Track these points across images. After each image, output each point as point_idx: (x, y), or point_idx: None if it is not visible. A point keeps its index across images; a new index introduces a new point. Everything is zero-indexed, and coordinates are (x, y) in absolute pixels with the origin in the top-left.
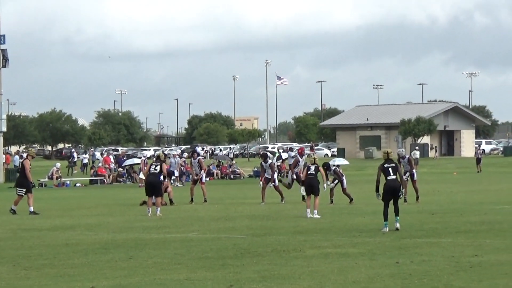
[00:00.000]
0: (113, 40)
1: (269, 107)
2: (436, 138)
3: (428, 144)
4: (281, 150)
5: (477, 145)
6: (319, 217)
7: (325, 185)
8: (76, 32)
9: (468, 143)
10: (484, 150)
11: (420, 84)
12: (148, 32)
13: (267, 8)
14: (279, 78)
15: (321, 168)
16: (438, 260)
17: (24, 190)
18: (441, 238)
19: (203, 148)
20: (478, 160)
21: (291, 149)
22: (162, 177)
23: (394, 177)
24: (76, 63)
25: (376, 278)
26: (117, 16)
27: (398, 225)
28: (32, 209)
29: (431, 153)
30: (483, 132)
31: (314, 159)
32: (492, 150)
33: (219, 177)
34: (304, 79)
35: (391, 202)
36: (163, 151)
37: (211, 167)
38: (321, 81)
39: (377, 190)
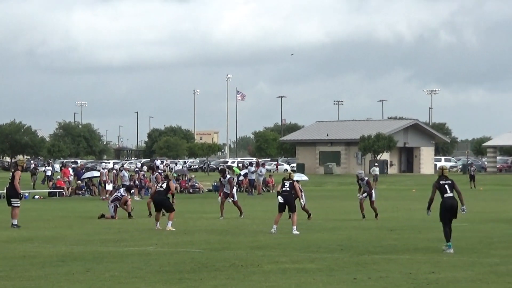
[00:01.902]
0: (78, 52)
1: (230, 121)
2: (395, 154)
3: (388, 160)
4: (240, 165)
5: (470, 162)
6: (298, 233)
7: (302, 201)
8: (41, 44)
9: (427, 160)
10: (475, 168)
11: (380, 100)
12: (114, 45)
13: (234, 24)
14: (239, 93)
15: (296, 184)
16: (395, 276)
17: (18, 200)
18: (399, 255)
19: (162, 162)
20: (472, 177)
21: (250, 164)
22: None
23: (451, 194)
24: (39, 75)
25: None
26: (83, 29)
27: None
28: (15, 221)
29: (391, 170)
30: (442, 149)
31: (289, 174)
32: (451, 167)
33: (178, 191)
34: (266, 94)
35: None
36: (169, 170)
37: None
38: (281, 97)
39: (428, 207)
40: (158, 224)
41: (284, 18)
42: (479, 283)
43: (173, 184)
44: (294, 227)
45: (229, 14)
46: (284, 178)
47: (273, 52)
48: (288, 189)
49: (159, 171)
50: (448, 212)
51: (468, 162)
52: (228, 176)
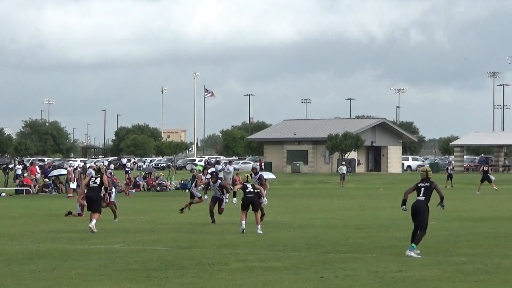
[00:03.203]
0: (48, 50)
1: (198, 120)
2: (363, 153)
3: (355, 159)
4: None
5: (449, 160)
6: (261, 233)
7: (263, 199)
8: (11, 41)
9: (394, 159)
10: (453, 166)
11: (348, 99)
12: (84, 43)
13: (206, 22)
14: (207, 91)
15: (256, 185)
16: (362, 275)
17: None
18: (366, 253)
19: (129, 160)
20: (449, 176)
21: (217, 162)
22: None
23: (422, 198)
24: (8, 72)
25: None
26: (53, 26)
27: (410, 253)
28: None
29: (358, 168)
30: (410, 148)
31: (247, 177)
32: (419, 166)
33: (145, 189)
34: (235, 93)
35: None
36: (103, 163)
37: (137, 179)
38: (249, 95)
39: (403, 203)
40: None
41: (256, 17)
42: (445, 282)
43: (106, 178)
44: (259, 226)
45: (201, 12)
46: (245, 180)
47: (244, 51)
48: (252, 190)
49: (126, 169)
50: (412, 214)
51: (448, 161)
52: (219, 182)
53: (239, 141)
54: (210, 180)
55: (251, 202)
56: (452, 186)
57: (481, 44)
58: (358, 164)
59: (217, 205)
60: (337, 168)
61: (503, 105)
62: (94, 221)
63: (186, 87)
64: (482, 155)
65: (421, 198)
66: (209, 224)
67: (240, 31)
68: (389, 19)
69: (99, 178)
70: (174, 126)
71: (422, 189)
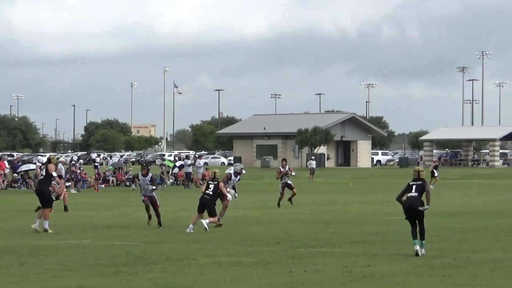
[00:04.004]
0: (20, 45)
1: (167, 115)
2: (332, 148)
3: (325, 154)
4: (177, 158)
5: (419, 155)
6: (207, 229)
7: (229, 195)
8: None
9: (364, 154)
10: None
11: (318, 94)
12: (56, 38)
13: (179, 17)
14: (176, 86)
15: (221, 184)
16: (331, 269)
17: None
18: (335, 248)
19: (98, 155)
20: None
21: (187, 157)
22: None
23: (415, 194)
24: None
25: (269, 287)
26: (25, 21)
27: (423, 250)
28: None
29: (328, 163)
30: (379, 143)
31: (214, 173)
32: (388, 161)
33: (115, 184)
34: (207, 88)
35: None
36: (107, 163)
37: (107, 173)
38: (219, 90)
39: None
40: (37, 223)
41: (229, 12)
42: (414, 276)
43: (51, 166)
44: (207, 220)
45: (175, 8)
46: (210, 178)
47: (216, 46)
48: (211, 192)
49: (95, 164)
50: (407, 211)
51: (419, 155)
52: (150, 175)
53: (209, 136)
54: (140, 173)
55: (205, 206)
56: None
57: (452, 39)
58: (328, 158)
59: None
60: (307, 162)
61: (472, 100)
62: (46, 222)
63: (156, 82)
64: (448, 150)
65: (414, 194)
66: (177, 219)
67: (213, 27)
68: (361, 15)
69: (45, 169)
70: (144, 121)
71: (414, 186)
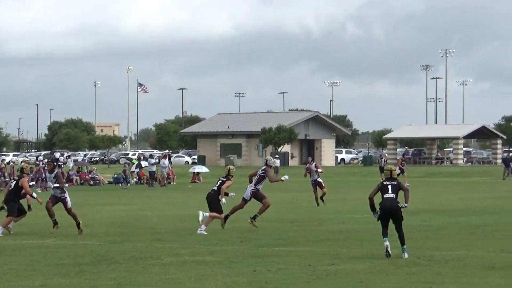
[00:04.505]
0: None
1: (131, 114)
2: (296, 146)
3: (289, 152)
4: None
5: (380, 153)
6: (204, 234)
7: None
8: None
9: (328, 152)
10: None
11: (282, 92)
12: (20, 37)
13: (144, 16)
14: (140, 85)
15: (226, 184)
16: (295, 268)
17: None
18: (298, 247)
19: (62, 154)
20: (382, 169)
21: (151, 156)
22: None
23: (392, 195)
24: None
25: (232, 286)
26: None
27: (406, 255)
28: None
29: (292, 162)
30: (343, 141)
31: (228, 169)
32: (352, 159)
33: (79, 183)
34: (171, 86)
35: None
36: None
37: (70, 172)
38: (182, 89)
39: (373, 209)
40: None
41: (194, 11)
42: (378, 275)
43: (25, 182)
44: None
45: (139, 7)
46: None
47: (180, 45)
48: (216, 188)
49: (59, 163)
50: (386, 213)
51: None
52: (56, 171)
53: (173, 135)
54: (45, 168)
55: (209, 201)
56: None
57: (416, 38)
58: (292, 157)
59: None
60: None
61: (436, 98)
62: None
63: (120, 82)
64: (406, 148)
65: (391, 195)
66: (141, 218)
67: (177, 25)
68: (326, 13)
69: (15, 182)
70: (108, 120)
71: (390, 187)
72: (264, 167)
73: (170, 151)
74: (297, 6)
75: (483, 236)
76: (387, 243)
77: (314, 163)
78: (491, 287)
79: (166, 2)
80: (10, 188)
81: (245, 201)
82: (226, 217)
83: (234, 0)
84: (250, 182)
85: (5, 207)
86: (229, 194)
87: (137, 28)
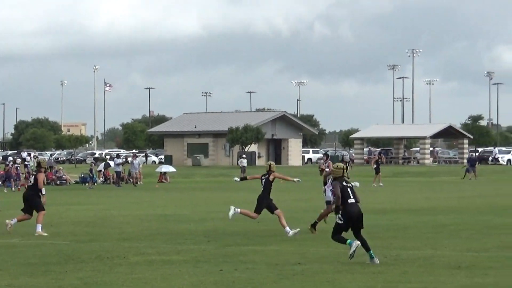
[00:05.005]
0: None
1: (98, 113)
2: (263, 146)
3: (255, 152)
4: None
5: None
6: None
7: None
8: None
9: (295, 152)
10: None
11: (249, 92)
12: None
13: (112, 15)
14: (106, 84)
15: (274, 174)
16: (262, 268)
17: None
18: (266, 246)
19: (29, 154)
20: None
21: (117, 156)
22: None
23: (353, 200)
24: None
25: (199, 285)
26: None
27: (377, 260)
28: None
29: (259, 161)
30: (310, 141)
31: (270, 165)
32: (319, 159)
33: (45, 183)
34: (138, 86)
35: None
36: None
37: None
38: (149, 88)
39: (338, 211)
40: (12, 222)
41: (162, 11)
42: (344, 274)
43: (42, 176)
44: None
45: (107, 6)
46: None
47: (148, 44)
48: (262, 188)
49: (25, 163)
50: (356, 221)
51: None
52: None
53: (140, 134)
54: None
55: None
56: (348, 178)
57: (384, 38)
58: (259, 157)
59: None
60: (238, 161)
61: (403, 98)
62: (39, 226)
63: (87, 81)
64: (370, 147)
65: (353, 200)
66: (108, 218)
67: (145, 25)
68: (294, 13)
69: (33, 176)
70: (74, 120)
71: (349, 190)
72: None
73: (137, 151)
74: (265, 6)
75: (449, 235)
76: (356, 246)
77: (327, 163)
78: (457, 287)
79: (134, 1)
80: (29, 184)
81: (329, 203)
82: (314, 224)
83: (203, 0)
84: (325, 184)
85: None
86: (295, 180)
87: (105, 28)
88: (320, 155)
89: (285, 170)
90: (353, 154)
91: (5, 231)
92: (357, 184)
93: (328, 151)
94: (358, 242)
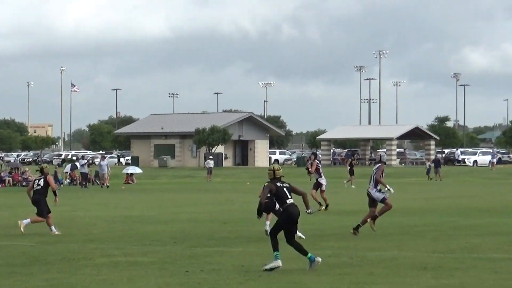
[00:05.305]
0: None
1: (65, 114)
2: (230, 147)
3: (222, 153)
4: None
5: (308, 155)
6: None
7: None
8: None
9: (262, 153)
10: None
11: (216, 93)
12: None
13: (79, 17)
14: (73, 85)
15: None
16: (228, 269)
17: None
18: (232, 247)
19: None
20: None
21: (82, 157)
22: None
23: (292, 200)
24: None
25: (165, 287)
26: None
27: (319, 259)
28: None
29: (225, 162)
30: (277, 142)
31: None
32: (286, 160)
33: (11, 184)
34: (105, 87)
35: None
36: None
37: (2, 174)
38: (116, 89)
39: (260, 213)
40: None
41: (129, 12)
42: (310, 275)
43: (51, 178)
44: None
45: (74, 7)
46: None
47: (115, 46)
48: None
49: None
50: (293, 222)
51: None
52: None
53: (106, 135)
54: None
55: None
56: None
57: (351, 39)
58: (226, 158)
59: None
60: (204, 162)
61: (370, 99)
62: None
63: (53, 82)
64: (336, 148)
65: (291, 200)
66: (75, 219)
67: (112, 26)
68: (262, 14)
69: (42, 179)
70: (41, 121)
71: (285, 189)
72: (378, 164)
73: (104, 152)
74: (232, 7)
75: (415, 236)
76: (280, 262)
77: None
78: (423, 287)
79: (101, 2)
80: (38, 187)
81: (374, 205)
82: (374, 219)
83: (169, 1)
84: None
85: None
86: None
87: (72, 29)
88: (287, 156)
89: (252, 171)
90: (320, 155)
91: None
92: (391, 190)
93: (315, 151)
94: (280, 264)
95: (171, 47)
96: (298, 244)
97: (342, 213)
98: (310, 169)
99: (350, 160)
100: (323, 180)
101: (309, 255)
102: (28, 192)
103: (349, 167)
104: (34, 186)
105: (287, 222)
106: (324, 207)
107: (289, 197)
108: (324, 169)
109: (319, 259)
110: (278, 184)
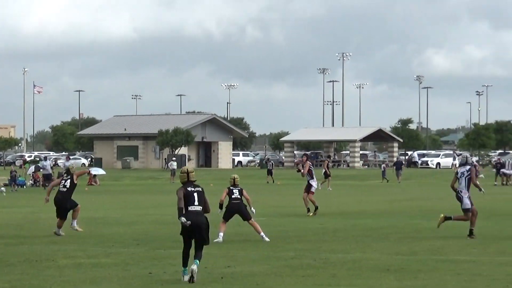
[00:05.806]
0: None
1: (27, 115)
2: (194, 149)
3: (186, 155)
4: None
5: (267, 157)
6: (268, 240)
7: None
8: None
9: (225, 155)
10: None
11: (179, 95)
12: None
13: (43, 18)
14: (35, 86)
15: (245, 192)
16: None
17: None
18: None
19: None
20: (269, 172)
21: (45, 159)
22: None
23: (199, 208)
24: None
25: None
26: None
27: (195, 267)
28: None
29: (189, 164)
30: (240, 144)
31: (234, 179)
32: (249, 162)
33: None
34: (68, 88)
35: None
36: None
37: None
38: (79, 91)
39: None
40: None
41: (93, 13)
42: (273, 277)
43: (76, 177)
44: (261, 233)
45: (37, 8)
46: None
47: (79, 47)
48: (238, 196)
49: None
50: (192, 232)
51: (266, 157)
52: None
53: (69, 136)
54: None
55: (238, 211)
56: (273, 182)
57: (315, 41)
58: (189, 159)
59: None
60: (168, 163)
61: (333, 101)
62: (75, 221)
63: (17, 83)
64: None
65: (197, 208)
66: (38, 221)
67: (76, 27)
68: (226, 16)
69: (69, 180)
70: (3, 122)
71: (196, 195)
72: (469, 167)
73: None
74: (197, 9)
75: (378, 238)
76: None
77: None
78: None
79: (65, 3)
80: (63, 189)
81: (468, 211)
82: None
83: (134, 3)
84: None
85: None
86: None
87: (35, 29)
88: (250, 158)
89: (215, 172)
90: (283, 157)
91: None
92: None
93: (309, 152)
94: (196, 268)
95: (135, 48)
96: (196, 254)
97: (304, 215)
98: (302, 170)
99: (326, 162)
100: (314, 183)
101: (196, 260)
102: (52, 187)
103: (324, 170)
104: (60, 187)
105: (184, 230)
106: (312, 213)
107: (196, 203)
108: (288, 171)
109: (193, 276)
110: (189, 188)
